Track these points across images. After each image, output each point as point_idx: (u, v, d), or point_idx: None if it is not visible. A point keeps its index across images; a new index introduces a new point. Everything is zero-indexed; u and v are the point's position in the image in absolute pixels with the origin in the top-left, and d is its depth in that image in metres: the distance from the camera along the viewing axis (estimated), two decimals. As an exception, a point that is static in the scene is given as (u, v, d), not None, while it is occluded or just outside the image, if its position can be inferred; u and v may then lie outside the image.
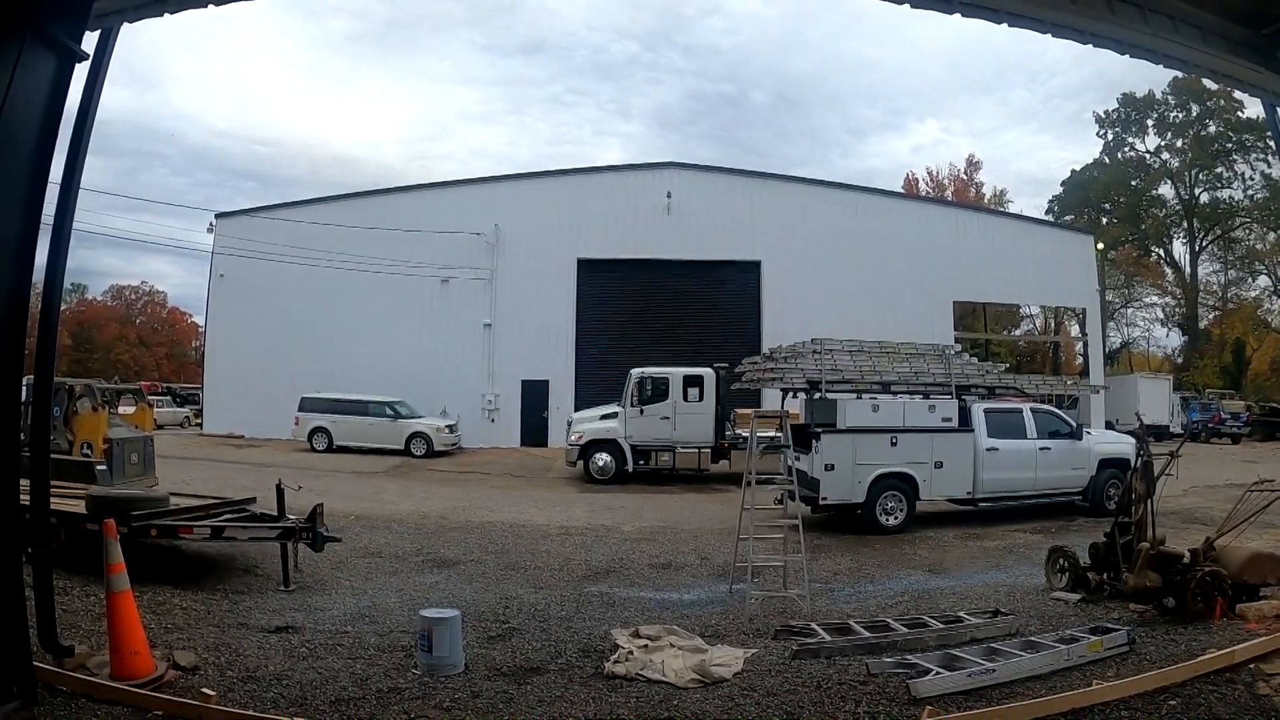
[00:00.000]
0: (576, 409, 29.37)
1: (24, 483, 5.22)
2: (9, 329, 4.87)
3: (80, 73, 5.33)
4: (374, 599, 8.63)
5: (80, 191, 5.51)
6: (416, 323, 32.79)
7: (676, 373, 22.24)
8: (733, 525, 9.86)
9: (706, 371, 21.74)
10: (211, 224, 35.66)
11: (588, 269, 33.40)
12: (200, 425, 37.16)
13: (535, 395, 32.77)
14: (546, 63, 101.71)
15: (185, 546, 9.42)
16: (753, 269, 33.45)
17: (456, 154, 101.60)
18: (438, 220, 32.75)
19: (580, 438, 22.09)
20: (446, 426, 29.03)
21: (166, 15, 5.59)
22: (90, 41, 5.43)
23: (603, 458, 21.68)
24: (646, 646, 6.79)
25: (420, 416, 29.08)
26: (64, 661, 5.69)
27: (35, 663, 5.19)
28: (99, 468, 12.57)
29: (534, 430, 32.41)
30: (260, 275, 32.87)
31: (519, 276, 33.05)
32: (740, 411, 22.70)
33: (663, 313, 33.19)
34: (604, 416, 22.64)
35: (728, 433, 21.87)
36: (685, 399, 21.78)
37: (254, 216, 34.94)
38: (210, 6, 5.52)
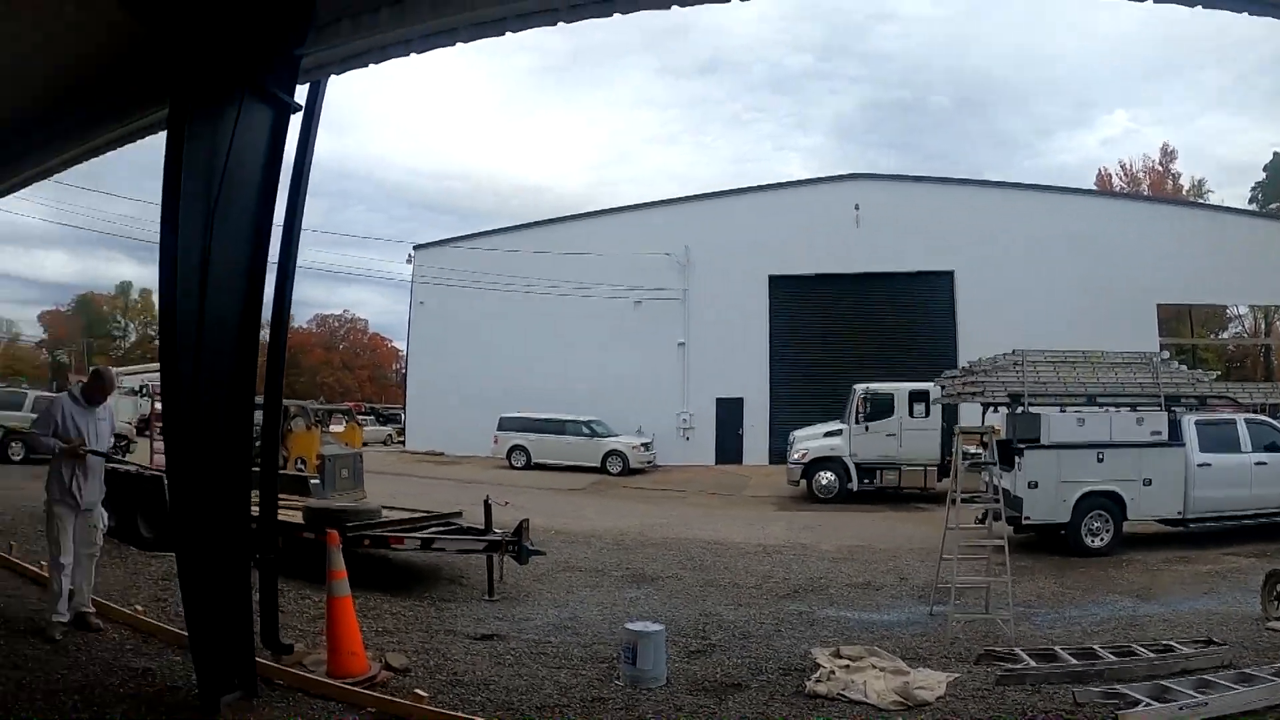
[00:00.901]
0: (771, 425, 29.28)
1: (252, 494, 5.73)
2: (242, 356, 5.40)
3: (295, 122, 5.83)
4: (575, 611, 8.81)
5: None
6: (611, 343, 33.41)
7: (902, 388, 21.52)
8: (931, 545, 9.58)
9: (932, 386, 20.49)
10: (410, 255, 38.04)
11: (779, 285, 33.05)
12: (403, 443, 39.50)
13: (729, 412, 32.70)
14: (723, 81, 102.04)
15: (393, 556, 9.95)
16: (945, 279, 31.94)
17: (640, 177, 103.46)
18: (627, 243, 33.26)
19: (804, 455, 21.54)
20: (642, 444, 29.45)
21: (371, 65, 6.00)
22: (302, 93, 5.94)
23: (826, 476, 21.14)
24: (848, 666, 6.63)
25: (616, 435, 29.64)
26: (281, 658, 6.12)
27: (256, 658, 5.66)
28: (312, 482, 13.49)
29: (728, 448, 32.38)
30: (457, 301, 34.85)
31: (711, 295, 33.08)
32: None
33: (855, 327, 32.27)
34: (828, 434, 22.03)
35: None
36: (911, 414, 21.08)
37: (449, 247, 37.17)
38: (412, 55, 5.84)
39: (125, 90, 7.18)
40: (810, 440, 22.05)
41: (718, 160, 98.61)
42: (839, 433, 21.60)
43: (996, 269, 30.89)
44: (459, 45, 5.70)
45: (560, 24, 5.48)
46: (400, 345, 71.58)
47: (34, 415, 21.53)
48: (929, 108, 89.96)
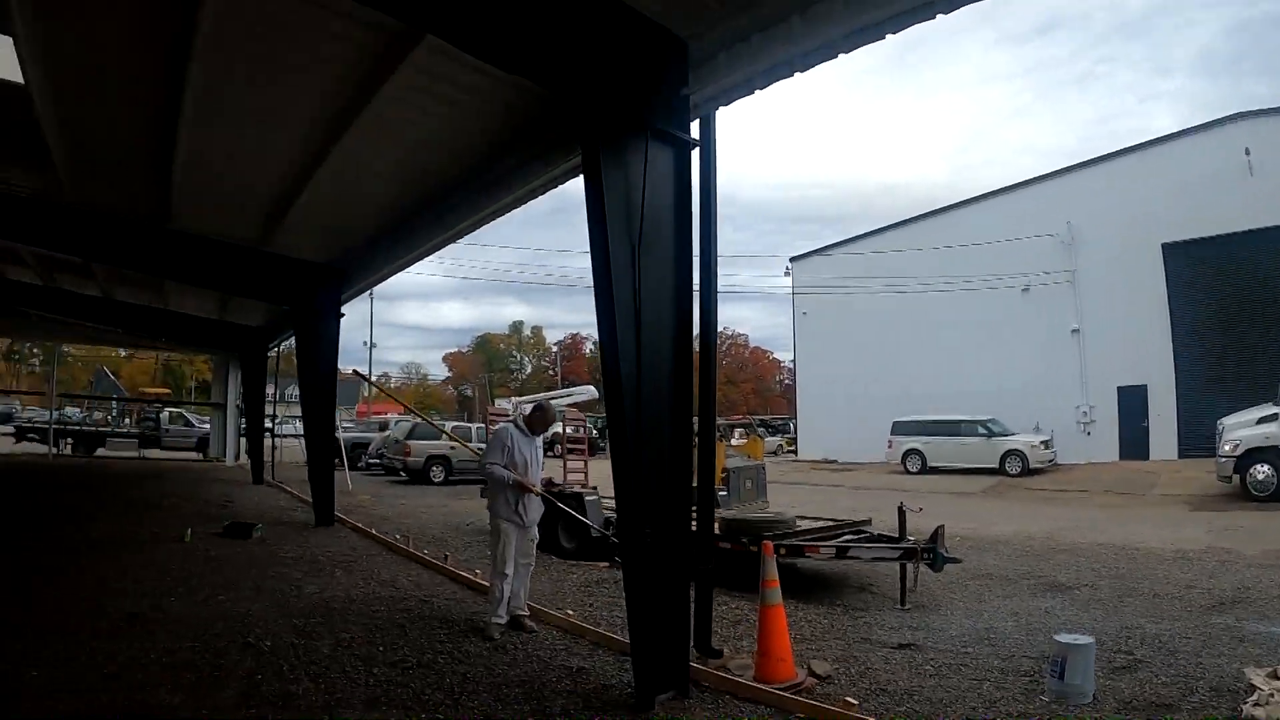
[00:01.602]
0: (1179, 414, 26.00)
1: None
2: (677, 378, 5.86)
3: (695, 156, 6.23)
4: (990, 621, 8.38)
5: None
6: (997, 336, 31.33)
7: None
8: None
9: None
10: (787, 268, 38.63)
11: (1174, 254, 28.28)
12: (794, 452, 40.08)
13: (1131, 403, 29.02)
14: (1065, 39, 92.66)
15: (801, 565, 10.07)
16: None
17: (998, 158, 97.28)
18: (1002, 228, 31.01)
19: (1235, 447, 18.02)
20: (1041, 442, 27.35)
21: (757, 91, 6.22)
22: (695, 128, 6.32)
23: (1263, 470, 17.53)
24: (1287, 689, 5.85)
25: (1013, 434, 27.72)
26: (709, 662, 6.43)
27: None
28: (720, 494, 14.06)
29: (1133, 441, 28.78)
30: (837, 308, 34.88)
31: (1100, 274, 29.55)
32: None
33: (1269, 291, 26.64)
34: (1261, 419, 18.37)
35: None
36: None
37: (824, 255, 37.25)
38: (796, 75, 5.96)
39: (542, 140, 8.10)
40: (1242, 429, 18.43)
41: (1078, 124, 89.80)
42: (1275, 417, 17.89)
43: None
44: (840, 56, 5.71)
45: (939, 16, 5.32)
46: (780, 356, 73.04)
47: (445, 445, 24.66)
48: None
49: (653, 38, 5.93)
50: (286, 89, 8.35)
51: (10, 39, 7.60)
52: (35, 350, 62.49)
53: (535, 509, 7.69)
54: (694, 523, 6.23)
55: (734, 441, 20.85)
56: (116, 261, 15.36)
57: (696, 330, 6.15)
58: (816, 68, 5.80)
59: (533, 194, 8.96)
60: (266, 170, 10.78)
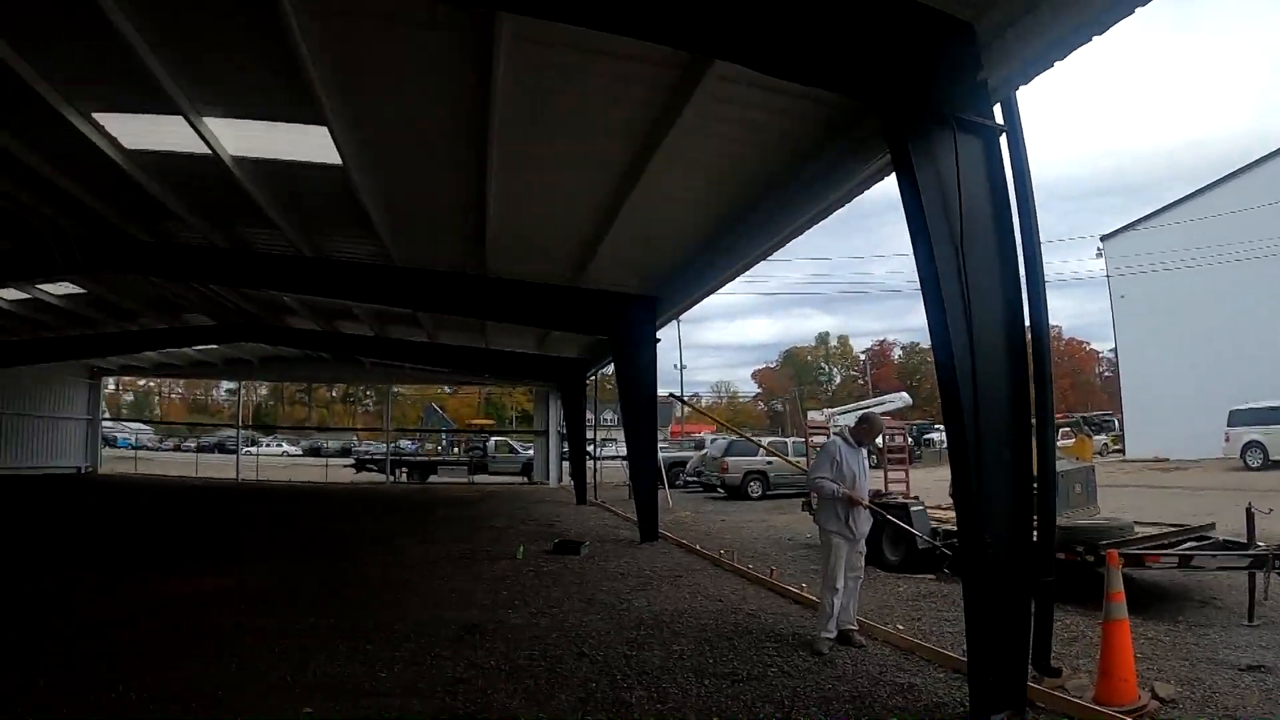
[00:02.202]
0: None
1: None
2: (1013, 379, 5.61)
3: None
4: None
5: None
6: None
7: None
8: None
9: None
10: (1099, 249, 35.55)
11: None
12: (1121, 451, 36.72)
13: None
14: None
15: (1137, 576, 9.21)
16: None
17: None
18: None
19: None
20: None
21: (1055, 64, 5.79)
22: (998, 113, 5.95)
23: None
24: None
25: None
26: (1046, 681, 5.97)
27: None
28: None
29: None
30: (1161, 287, 31.34)
31: None
32: None
33: None
34: None
35: None
36: None
37: (1139, 229, 33.76)
38: (1094, 39, 5.51)
39: (845, 143, 8.02)
40: None
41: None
42: None
43: None
44: (1137, 11, 5.19)
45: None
46: (1098, 347, 67.48)
47: (761, 460, 24.95)
48: None
49: (936, 24, 5.68)
50: (584, 134, 8.94)
51: (324, 127, 8.69)
52: (369, 392, 70.35)
53: (864, 522, 7.64)
54: (1034, 531, 5.88)
55: (1060, 442, 19.51)
56: (440, 309, 17.01)
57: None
58: (1114, 27, 5.31)
59: (847, 197, 8.94)
60: (573, 213, 11.58)
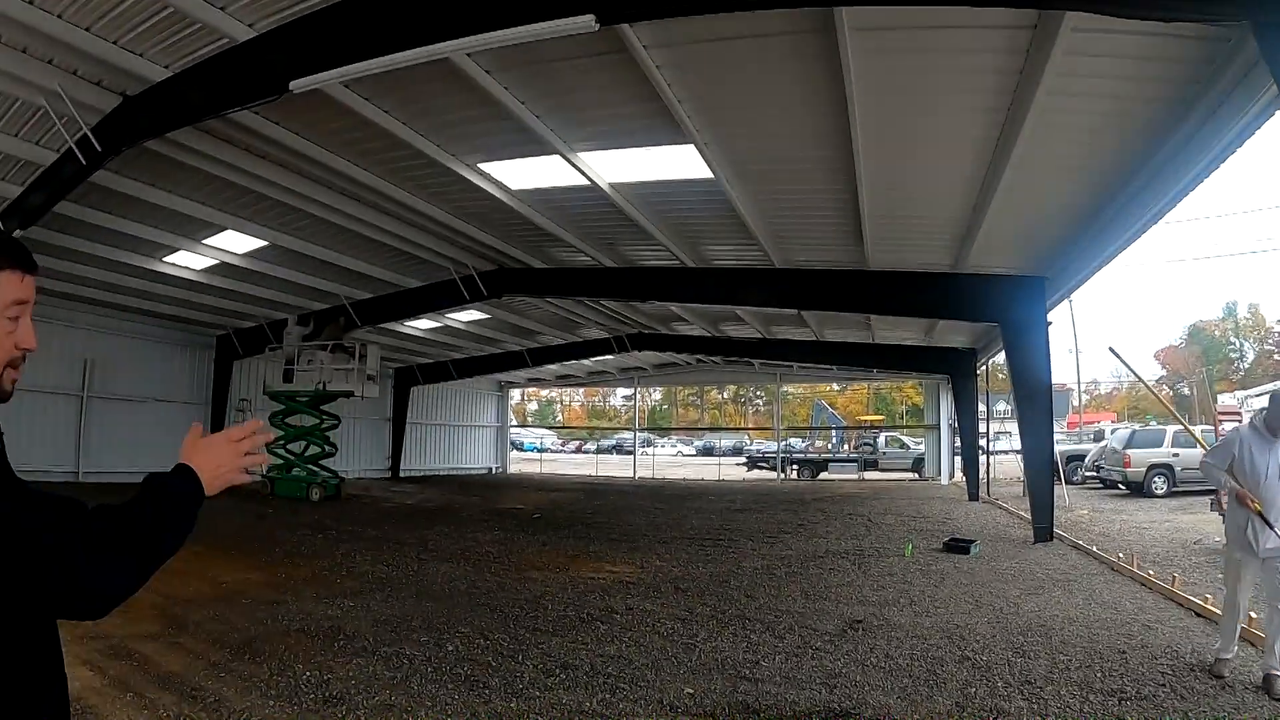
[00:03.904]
0: None
1: None
2: None
3: None
4: None
5: None
6: None
7: None
8: None
9: None
10: None
11: None
12: None
13: None
14: None
15: None
16: None
17: None
18: None
19: None
20: None
21: None
22: None
23: None
24: None
25: None
26: None
27: None
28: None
29: None
30: None
31: None
32: None
33: None
34: None
35: None
36: None
37: None
38: None
39: (1228, 72, 7.05)
40: None
41: None
42: None
43: None
44: None
45: None
46: None
47: (1167, 452, 22.28)
48: None
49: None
50: (945, 113, 8.65)
51: (691, 145, 9.43)
52: (758, 392, 72.09)
53: (1273, 536, 5.89)
54: None
55: None
56: (822, 307, 17.18)
57: None
58: None
59: (1238, 140, 7.75)
60: (946, 198, 11.25)
